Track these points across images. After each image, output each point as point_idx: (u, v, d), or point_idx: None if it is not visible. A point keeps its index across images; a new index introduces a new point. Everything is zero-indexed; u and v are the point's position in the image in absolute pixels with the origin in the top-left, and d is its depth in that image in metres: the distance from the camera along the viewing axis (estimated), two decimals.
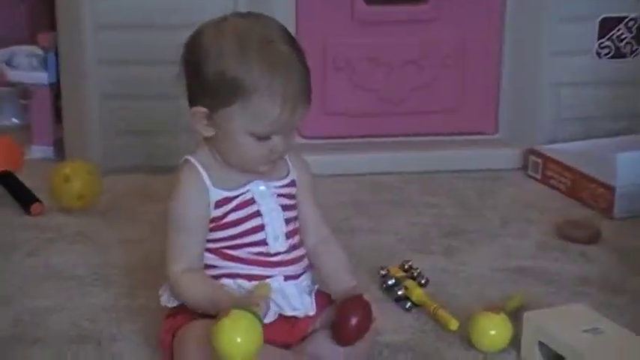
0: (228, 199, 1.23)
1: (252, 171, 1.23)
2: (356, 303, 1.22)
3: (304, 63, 1.20)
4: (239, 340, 1.08)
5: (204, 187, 1.22)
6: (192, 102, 1.22)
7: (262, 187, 1.24)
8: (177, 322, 1.24)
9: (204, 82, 1.20)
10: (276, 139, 1.20)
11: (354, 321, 1.20)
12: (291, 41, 1.21)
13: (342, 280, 1.28)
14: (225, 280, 1.23)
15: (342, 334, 1.21)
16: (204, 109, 1.20)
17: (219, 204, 1.22)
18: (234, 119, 1.19)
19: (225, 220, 1.23)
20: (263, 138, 1.19)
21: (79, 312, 1.44)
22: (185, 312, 1.23)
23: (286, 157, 1.28)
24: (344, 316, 1.21)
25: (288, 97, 1.17)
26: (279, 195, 1.26)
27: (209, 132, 1.22)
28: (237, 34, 1.19)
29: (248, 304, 1.12)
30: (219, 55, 1.19)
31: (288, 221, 1.26)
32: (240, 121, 1.18)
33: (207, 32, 1.22)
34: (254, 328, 1.08)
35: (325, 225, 1.33)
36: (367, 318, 1.22)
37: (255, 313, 1.09)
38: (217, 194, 1.22)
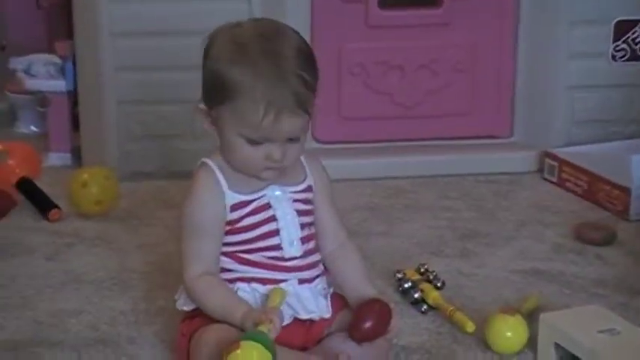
0: (244, 203, 1.23)
1: (255, 177, 1.22)
2: (371, 306, 1.22)
3: (303, 74, 1.17)
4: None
5: (220, 190, 1.22)
6: (199, 99, 1.24)
7: (278, 192, 1.24)
8: (194, 326, 1.24)
9: (204, 80, 1.22)
10: (271, 147, 1.18)
11: (368, 324, 1.20)
12: (296, 51, 1.19)
13: (359, 288, 1.27)
14: (240, 284, 1.23)
15: (356, 336, 1.20)
16: (203, 106, 1.22)
17: (234, 207, 1.23)
18: (224, 118, 1.19)
19: (240, 224, 1.23)
20: (254, 142, 1.19)
21: (97, 315, 1.44)
22: (202, 315, 1.23)
23: (303, 162, 1.28)
24: (359, 318, 1.21)
25: (271, 105, 1.15)
26: (295, 200, 1.26)
27: (211, 129, 1.23)
28: (238, 38, 1.20)
29: (260, 321, 1.13)
30: (217, 57, 1.20)
31: (303, 226, 1.26)
32: (230, 121, 1.19)
33: (218, 35, 1.23)
34: (264, 358, 1.10)
35: (343, 230, 1.32)
36: (383, 321, 1.21)
37: (265, 340, 1.10)
38: (233, 198, 1.22)
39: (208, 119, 1.22)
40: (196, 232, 1.22)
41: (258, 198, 1.23)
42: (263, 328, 1.12)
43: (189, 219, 1.23)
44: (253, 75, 1.16)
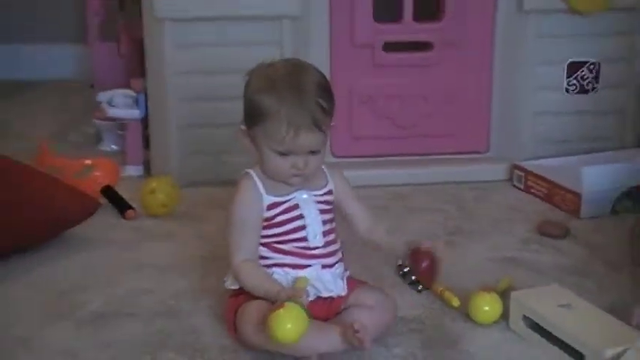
0: (278, 204, 1.23)
1: (284, 182, 1.23)
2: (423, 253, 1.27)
3: (320, 101, 1.18)
4: (289, 326, 1.10)
5: (258, 193, 1.23)
6: (242, 122, 1.24)
7: (305, 196, 1.25)
8: (239, 301, 1.24)
9: (245, 107, 1.23)
10: (295, 158, 1.19)
11: (425, 264, 1.26)
12: (316, 84, 1.19)
13: (398, 242, 1.30)
14: (275, 269, 1.24)
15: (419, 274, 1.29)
16: (243, 127, 1.23)
17: (270, 207, 1.23)
18: (259, 136, 1.20)
19: (274, 221, 1.23)
20: (282, 154, 1.19)
21: (164, 293, 1.45)
22: (245, 293, 1.23)
23: (326, 171, 1.28)
24: (418, 260, 1.26)
25: (291, 124, 1.16)
26: (318, 202, 1.26)
27: (250, 147, 1.23)
28: (269, 72, 1.21)
29: (293, 295, 1.13)
30: (253, 89, 1.21)
31: (324, 223, 1.26)
32: (262, 138, 1.20)
33: (255, 72, 1.24)
34: (302, 316, 1.10)
35: (369, 212, 1.33)
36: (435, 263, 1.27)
37: (302, 305, 1.11)
38: (269, 199, 1.23)
39: (248, 138, 1.23)
40: (240, 226, 1.23)
41: (289, 200, 1.23)
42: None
43: (235, 216, 1.23)
44: (278, 102, 1.17)
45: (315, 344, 1.18)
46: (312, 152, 1.20)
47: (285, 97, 1.17)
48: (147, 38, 1.96)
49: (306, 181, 1.25)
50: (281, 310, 1.11)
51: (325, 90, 1.21)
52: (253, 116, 1.20)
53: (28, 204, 1.55)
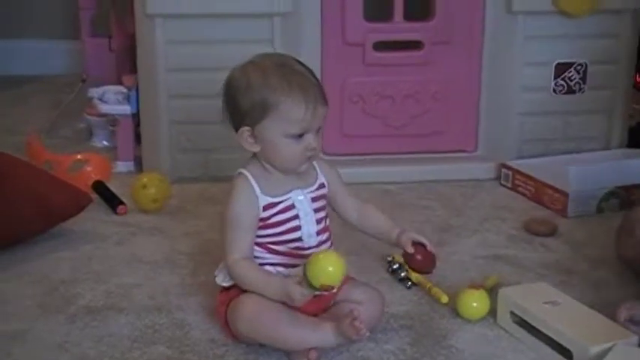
0: (273, 204, 1.22)
1: (294, 171, 1.23)
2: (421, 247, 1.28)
3: (315, 77, 1.21)
4: (330, 269, 1.11)
5: (254, 194, 1.22)
6: (237, 126, 1.22)
7: (300, 196, 1.24)
8: (230, 295, 1.24)
9: (242, 109, 1.20)
10: (308, 137, 1.19)
11: (419, 257, 1.28)
12: (302, 64, 1.22)
13: (391, 232, 1.30)
14: (268, 268, 1.23)
15: (414, 265, 1.29)
16: (247, 128, 1.20)
17: (266, 208, 1.22)
18: (270, 128, 1.19)
19: (270, 221, 1.23)
20: (298, 136, 1.19)
21: (154, 288, 1.45)
22: (236, 287, 1.23)
23: (315, 165, 1.28)
24: (415, 253, 1.27)
25: (309, 100, 1.18)
26: (313, 199, 1.25)
27: (255, 147, 1.22)
28: (258, 67, 1.21)
29: (299, 283, 1.15)
30: (247, 86, 1.20)
31: (318, 221, 1.25)
32: (275, 128, 1.19)
33: (236, 74, 1.23)
34: (341, 261, 1.12)
35: (358, 200, 1.33)
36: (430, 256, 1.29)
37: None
38: (265, 200, 1.22)
39: (251, 139, 1.21)
40: (236, 226, 1.22)
41: (285, 200, 1.23)
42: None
43: (231, 217, 1.22)
44: (288, 86, 1.18)
45: (306, 339, 1.18)
46: (318, 130, 1.21)
47: (292, 80, 1.18)
48: (138, 34, 1.95)
49: (299, 179, 1.24)
50: (320, 255, 1.11)
51: (311, 70, 1.23)
52: (262, 110, 1.18)
53: (19, 198, 1.54)
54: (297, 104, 1.17)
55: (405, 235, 1.29)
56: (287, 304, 1.17)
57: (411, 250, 1.27)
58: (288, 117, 1.18)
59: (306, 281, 1.13)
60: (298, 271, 1.17)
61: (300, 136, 1.19)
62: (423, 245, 1.28)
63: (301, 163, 1.22)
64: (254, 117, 1.19)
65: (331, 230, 1.29)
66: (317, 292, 1.15)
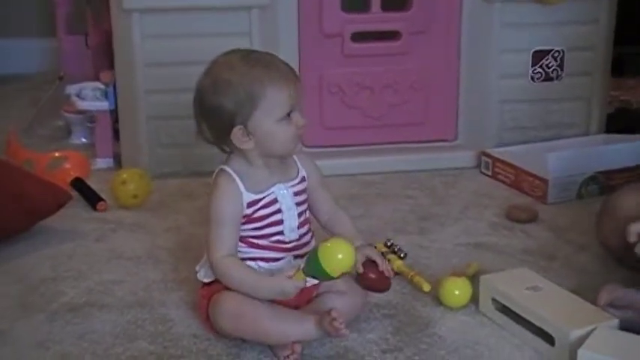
0: (257, 201, 1.22)
1: (290, 154, 1.24)
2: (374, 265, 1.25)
3: (283, 61, 1.22)
4: (340, 256, 1.11)
5: (239, 191, 1.21)
6: (227, 132, 1.20)
7: (283, 190, 1.24)
8: (212, 290, 1.23)
9: (228, 109, 1.18)
10: (295, 114, 1.20)
11: (373, 275, 1.24)
12: (262, 51, 1.23)
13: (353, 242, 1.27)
14: (249, 262, 1.23)
15: (364, 284, 1.26)
16: (240, 127, 1.19)
17: (250, 204, 1.22)
18: (263, 118, 1.18)
19: (254, 216, 1.22)
20: (287, 117, 1.19)
21: (136, 284, 1.44)
22: (217, 282, 1.22)
23: (296, 159, 1.27)
24: (366, 272, 1.24)
25: (288, 77, 1.19)
26: (295, 193, 1.25)
27: (249, 144, 1.20)
28: (224, 66, 1.20)
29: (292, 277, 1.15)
30: (226, 86, 1.18)
31: (300, 215, 1.25)
32: (268, 116, 1.18)
33: (205, 82, 1.21)
34: (350, 247, 1.12)
35: (333, 202, 1.33)
36: (383, 276, 1.25)
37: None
38: (249, 197, 1.21)
39: (246, 136, 1.20)
40: (221, 223, 1.21)
41: (268, 195, 1.23)
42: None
43: (216, 214, 1.21)
44: (267, 73, 1.18)
45: (289, 332, 1.18)
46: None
47: (265, 64, 1.18)
48: (115, 30, 1.93)
49: (281, 174, 1.24)
50: (328, 244, 1.12)
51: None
52: (251, 103, 1.17)
53: None
54: (281, 84, 1.18)
55: (360, 251, 1.24)
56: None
57: (360, 269, 1.24)
58: (277, 101, 1.18)
59: (300, 272, 1.14)
60: (293, 265, 1.19)
61: (289, 115, 1.19)
62: (375, 263, 1.25)
63: (296, 143, 1.23)
64: (244, 113, 1.18)
65: (310, 222, 1.29)
66: (308, 283, 1.16)
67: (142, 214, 1.74)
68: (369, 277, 1.24)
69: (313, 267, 1.12)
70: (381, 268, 1.24)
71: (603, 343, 1.14)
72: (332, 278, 1.14)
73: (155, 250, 1.57)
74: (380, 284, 1.25)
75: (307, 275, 1.14)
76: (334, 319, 1.15)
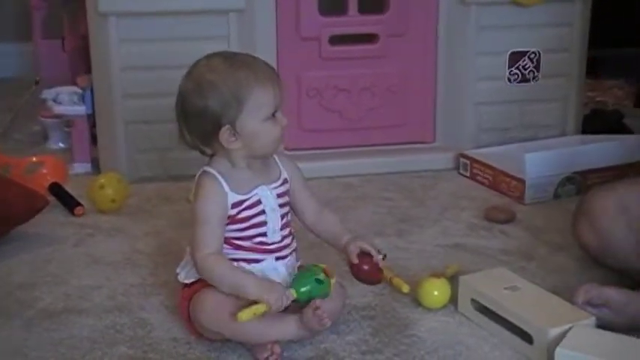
0: (242, 202, 1.22)
1: (272, 154, 1.25)
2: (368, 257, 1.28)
3: (265, 61, 1.23)
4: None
5: (223, 192, 1.21)
6: (212, 133, 1.20)
7: (267, 192, 1.24)
8: (193, 290, 1.23)
9: (214, 111, 1.18)
10: (279, 114, 1.21)
11: (366, 267, 1.27)
12: (262, 61, 1.23)
13: (342, 237, 1.31)
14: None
15: (359, 276, 1.29)
16: (227, 127, 1.19)
17: (234, 205, 1.22)
18: (249, 118, 1.19)
19: (238, 217, 1.22)
20: (272, 117, 1.20)
21: (114, 288, 1.43)
22: (200, 282, 1.22)
23: (277, 161, 1.28)
24: (361, 263, 1.27)
25: (272, 77, 1.20)
26: (278, 195, 1.25)
27: (236, 144, 1.20)
28: (207, 68, 1.20)
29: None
30: (210, 87, 1.18)
31: (282, 217, 1.26)
32: (254, 116, 1.19)
33: (188, 84, 1.21)
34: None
35: (318, 202, 1.33)
36: (376, 268, 1.29)
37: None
38: (233, 197, 1.21)
39: (233, 136, 1.20)
40: (207, 222, 1.21)
41: (252, 196, 1.23)
42: None
43: (201, 213, 1.21)
44: (250, 72, 1.19)
45: (268, 332, 1.18)
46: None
47: (248, 66, 1.19)
48: (91, 33, 1.93)
49: (264, 175, 1.24)
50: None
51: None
52: (237, 104, 1.17)
53: None
54: (266, 84, 1.19)
55: (353, 243, 1.28)
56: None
57: (355, 260, 1.26)
58: (263, 100, 1.19)
59: (293, 291, 1.17)
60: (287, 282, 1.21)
61: (274, 115, 1.20)
62: (370, 255, 1.28)
63: (280, 143, 1.24)
64: (230, 114, 1.18)
65: (292, 225, 1.29)
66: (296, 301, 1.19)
67: (120, 219, 1.73)
68: (362, 269, 1.25)
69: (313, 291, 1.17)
70: (374, 260, 1.26)
71: (581, 341, 1.15)
72: (326, 296, 1.18)
73: (133, 254, 1.57)
74: (373, 276, 1.28)
75: (301, 297, 1.17)
76: (317, 307, 1.16)
